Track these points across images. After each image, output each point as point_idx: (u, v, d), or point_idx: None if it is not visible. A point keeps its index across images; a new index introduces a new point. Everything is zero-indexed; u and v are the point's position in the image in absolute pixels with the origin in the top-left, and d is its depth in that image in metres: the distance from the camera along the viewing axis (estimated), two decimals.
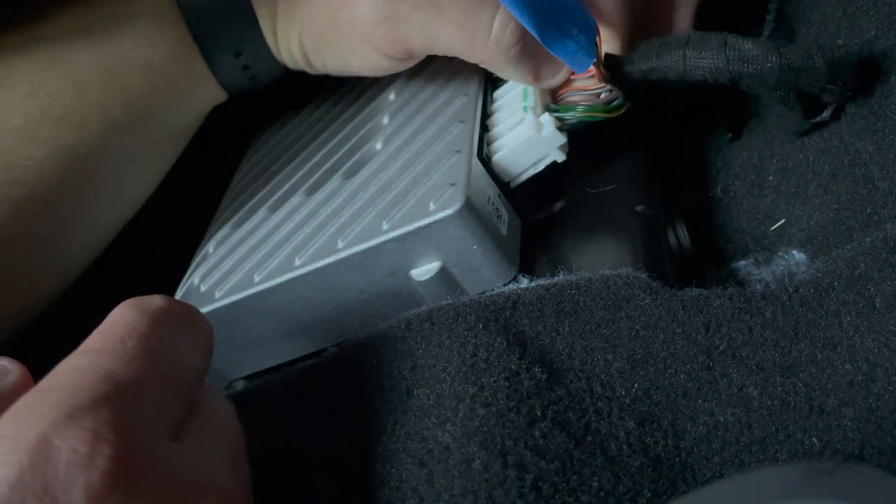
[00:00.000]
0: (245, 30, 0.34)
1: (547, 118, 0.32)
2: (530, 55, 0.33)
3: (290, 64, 0.37)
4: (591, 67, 0.32)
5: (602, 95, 0.33)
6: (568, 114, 0.33)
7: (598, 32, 0.32)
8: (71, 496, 0.19)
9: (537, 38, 0.29)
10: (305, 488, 0.28)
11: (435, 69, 0.39)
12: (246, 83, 0.37)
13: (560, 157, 0.32)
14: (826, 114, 0.32)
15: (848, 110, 0.33)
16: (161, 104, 0.35)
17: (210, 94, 0.37)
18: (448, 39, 0.32)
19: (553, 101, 0.34)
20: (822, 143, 0.34)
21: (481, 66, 0.34)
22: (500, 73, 0.34)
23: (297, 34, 0.35)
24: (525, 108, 0.33)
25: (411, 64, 0.35)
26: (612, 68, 0.32)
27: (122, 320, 0.23)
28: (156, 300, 0.24)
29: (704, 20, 0.44)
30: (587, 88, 0.33)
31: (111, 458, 0.19)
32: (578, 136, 0.33)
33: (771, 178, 0.36)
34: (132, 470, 0.20)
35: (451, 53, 0.33)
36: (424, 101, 0.37)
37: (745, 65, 0.30)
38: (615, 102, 0.33)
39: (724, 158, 0.39)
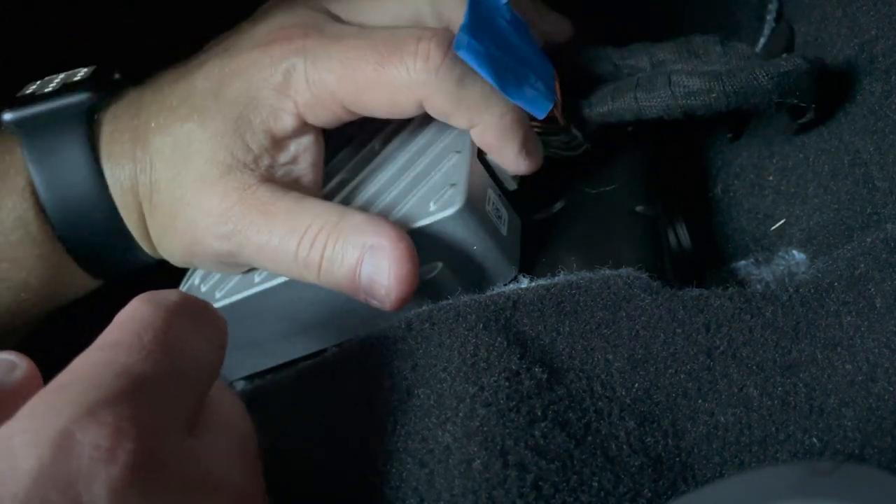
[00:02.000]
0: (122, 247, 0.34)
1: None
2: None
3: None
4: (558, 109, 0.33)
5: (562, 135, 0.34)
6: None
7: (556, 77, 0.32)
8: (94, 490, 0.19)
9: (496, 88, 0.30)
10: (306, 488, 0.28)
11: None
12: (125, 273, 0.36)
13: (512, 186, 0.33)
14: (809, 115, 0.32)
15: (848, 110, 0.33)
16: (36, 306, 0.35)
17: (87, 284, 0.36)
18: None
19: None
20: (822, 142, 0.34)
21: None
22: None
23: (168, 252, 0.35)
24: None
25: None
26: (571, 112, 0.33)
27: (138, 315, 0.23)
28: (170, 295, 0.24)
29: (705, 21, 0.44)
30: (549, 126, 0.33)
31: (132, 453, 0.19)
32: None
33: (771, 178, 0.36)
34: (153, 464, 0.20)
35: None
36: None
37: (692, 98, 0.31)
38: (574, 142, 0.34)
39: (724, 158, 0.39)
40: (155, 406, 0.21)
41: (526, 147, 0.32)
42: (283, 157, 0.33)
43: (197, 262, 0.34)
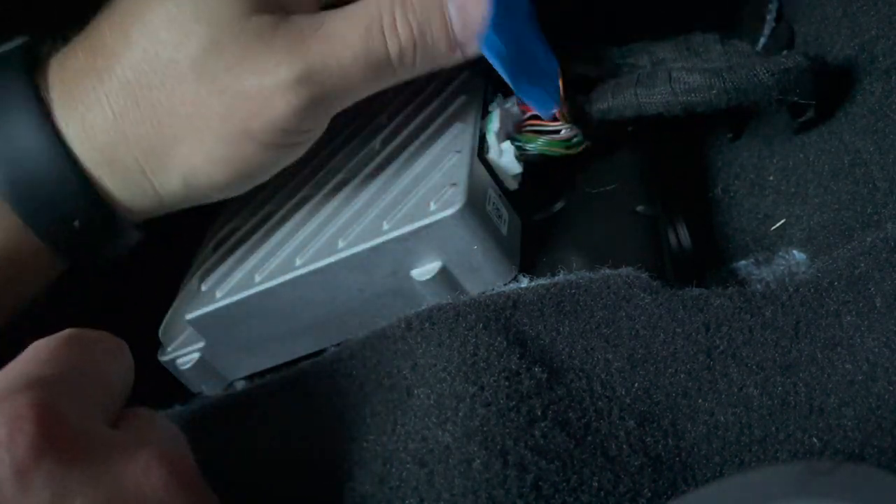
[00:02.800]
0: (82, 200, 0.29)
1: (508, 146, 0.33)
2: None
3: (173, 200, 0.31)
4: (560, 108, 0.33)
5: (563, 132, 0.33)
6: (529, 145, 0.33)
7: (560, 76, 0.33)
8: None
9: (512, 86, 0.30)
10: (306, 488, 0.28)
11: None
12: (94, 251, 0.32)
13: (512, 186, 0.33)
14: (810, 113, 0.32)
15: (848, 110, 0.33)
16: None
17: (54, 269, 0.32)
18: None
19: (517, 130, 0.34)
20: (823, 142, 0.34)
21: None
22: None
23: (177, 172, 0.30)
24: (489, 133, 0.33)
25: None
26: (574, 110, 0.33)
27: (33, 346, 0.24)
28: (64, 331, 0.25)
29: (705, 20, 0.44)
30: (549, 124, 0.33)
31: (32, 434, 0.20)
32: None
33: (771, 177, 0.36)
34: (57, 440, 0.20)
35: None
36: (424, 102, 0.37)
37: (692, 95, 0.31)
38: (575, 140, 0.34)
39: (724, 158, 0.39)
40: (58, 394, 0.22)
41: None
42: None
43: (224, 167, 0.29)
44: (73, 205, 0.29)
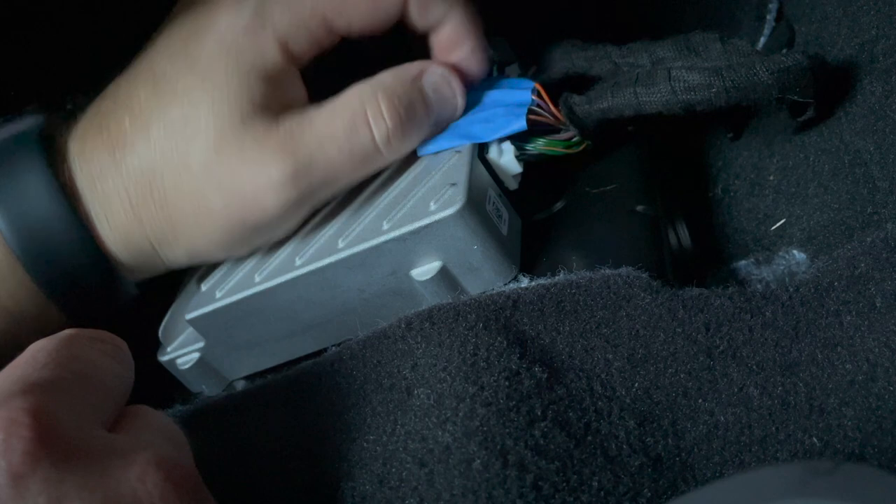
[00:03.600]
0: (96, 271, 0.32)
1: (508, 146, 0.33)
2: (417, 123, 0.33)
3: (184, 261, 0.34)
4: (546, 114, 0.33)
5: (563, 132, 0.34)
6: (529, 145, 0.33)
7: (537, 88, 0.33)
8: None
9: (467, 145, 0.32)
10: (306, 488, 0.28)
11: None
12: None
13: (512, 186, 0.33)
14: (810, 112, 0.32)
15: (848, 110, 0.33)
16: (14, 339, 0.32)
17: (57, 323, 0.33)
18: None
19: None
20: (823, 142, 0.34)
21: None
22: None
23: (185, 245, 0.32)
24: None
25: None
26: (569, 109, 0.34)
27: (32, 348, 0.24)
28: (63, 332, 0.25)
29: (705, 20, 0.44)
30: (545, 127, 0.33)
31: (28, 439, 0.20)
32: None
33: (771, 177, 0.36)
34: (53, 446, 0.20)
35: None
36: None
37: (692, 93, 0.31)
38: (575, 140, 0.34)
39: (724, 158, 0.39)
40: (54, 400, 0.22)
41: (481, 44, 0.34)
42: (280, 90, 0.32)
43: (223, 246, 0.32)
44: (87, 274, 0.32)
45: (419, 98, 0.32)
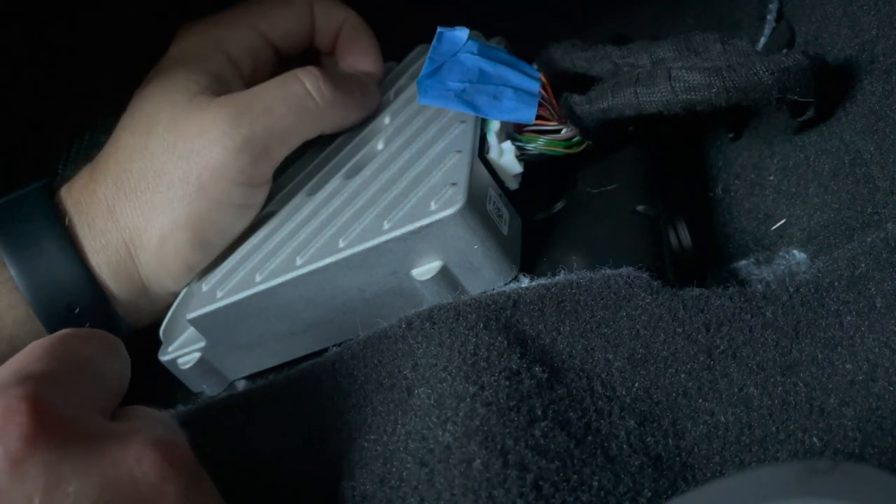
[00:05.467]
0: (89, 295, 0.35)
1: (508, 146, 0.33)
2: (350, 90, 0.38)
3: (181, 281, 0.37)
4: (550, 110, 0.33)
5: (563, 132, 0.34)
6: (529, 144, 0.33)
7: (544, 80, 0.33)
8: None
9: (477, 114, 0.32)
10: (306, 488, 0.28)
11: None
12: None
13: (513, 186, 0.33)
14: (810, 112, 0.32)
15: (848, 110, 0.33)
16: None
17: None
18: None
19: (517, 130, 0.34)
20: (823, 142, 0.34)
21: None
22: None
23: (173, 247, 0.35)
24: (489, 133, 0.33)
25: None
26: (569, 109, 0.34)
27: (29, 345, 0.25)
28: (59, 331, 0.26)
29: (705, 20, 0.44)
30: (550, 123, 0.34)
31: (25, 425, 0.21)
32: None
33: (771, 177, 0.36)
34: (49, 430, 0.21)
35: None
36: None
37: (692, 93, 0.31)
38: (575, 140, 0.34)
39: (724, 158, 0.39)
40: (50, 388, 0.22)
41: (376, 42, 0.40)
42: (225, 85, 0.36)
43: (189, 226, 0.34)
44: (80, 300, 0.35)
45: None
